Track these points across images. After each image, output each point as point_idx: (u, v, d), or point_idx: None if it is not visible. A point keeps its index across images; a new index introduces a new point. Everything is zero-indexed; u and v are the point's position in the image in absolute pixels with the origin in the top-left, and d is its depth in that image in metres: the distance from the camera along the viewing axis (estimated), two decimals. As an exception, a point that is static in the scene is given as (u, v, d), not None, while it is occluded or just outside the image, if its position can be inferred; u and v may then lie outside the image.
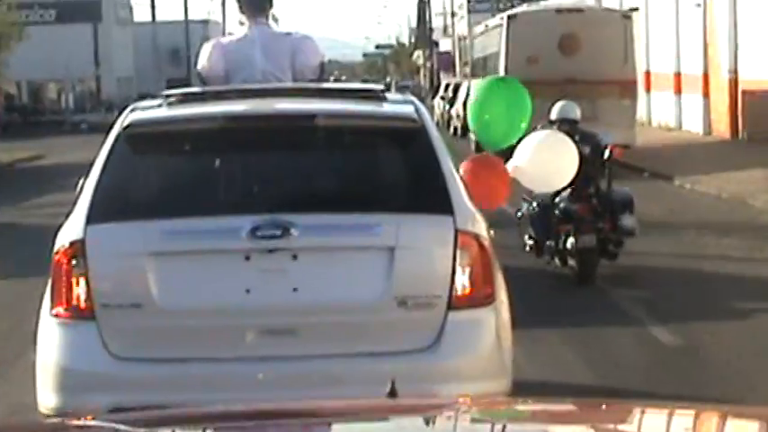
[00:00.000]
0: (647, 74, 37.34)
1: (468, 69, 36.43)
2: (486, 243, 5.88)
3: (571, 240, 12.04)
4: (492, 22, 30.40)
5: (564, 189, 11.84)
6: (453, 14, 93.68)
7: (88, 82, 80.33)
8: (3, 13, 44.76)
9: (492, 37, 29.55)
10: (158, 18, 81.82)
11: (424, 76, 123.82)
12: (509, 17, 27.39)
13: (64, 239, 5.88)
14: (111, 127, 6.29)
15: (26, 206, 24.74)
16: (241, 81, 7.48)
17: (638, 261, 13.51)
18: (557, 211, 12.00)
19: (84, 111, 76.08)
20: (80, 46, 78.18)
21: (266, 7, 7.83)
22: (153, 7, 78.41)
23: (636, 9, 29.43)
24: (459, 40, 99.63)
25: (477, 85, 10.66)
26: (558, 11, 27.71)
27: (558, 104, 13.57)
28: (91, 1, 78.99)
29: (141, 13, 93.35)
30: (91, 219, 5.85)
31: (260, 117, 6.30)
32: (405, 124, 6.17)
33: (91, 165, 6.10)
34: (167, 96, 6.61)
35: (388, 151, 6.25)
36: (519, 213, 13.09)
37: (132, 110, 6.44)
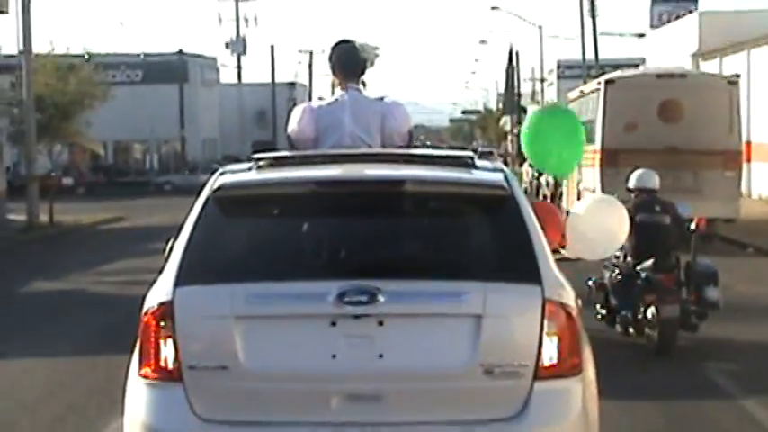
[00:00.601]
0: (748, 144, 35.78)
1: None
2: (574, 313, 5.86)
3: (652, 310, 11.93)
4: (588, 87, 28.97)
5: (645, 259, 12.02)
6: (543, 80, 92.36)
7: (173, 143, 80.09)
8: (88, 73, 44.09)
9: (588, 103, 28.19)
10: (244, 80, 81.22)
11: (511, 142, 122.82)
12: (607, 81, 26.00)
13: (153, 301, 5.92)
14: (200, 189, 6.36)
15: (99, 272, 23.82)
16: (330, 145, 7.52)
17: (718, 334, 13.14)
18: (639, 281, 11.91)
19: (169, 172, 75.87)
20: (166, 107, 78.09)
21: (358, 73, 7.84)
22: (239, 69, 78.08)
23: (739, 76, 27.82)
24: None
25: (530, 113, 10.23)
26: (659, 75, 26.24)
27: (637, 173, 13.52)
28: (178, 62, 78.84)
29: (227, 75, 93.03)
30: (180, 281, 5.87)
31: (349, 182, 6.26)
32: (494, 192, 6.14)
33: (180, 227, 6.10)
34: (257, 160, 6.64)
35: (476, 218, 6.18)
36: (590, 281, 12.97)
37: (222, 173, 6.49)
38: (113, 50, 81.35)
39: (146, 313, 5.91)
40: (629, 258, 12.65)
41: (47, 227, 38.93)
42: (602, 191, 25.48)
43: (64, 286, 21.54)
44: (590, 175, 26.66)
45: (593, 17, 62.09)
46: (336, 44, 7.98)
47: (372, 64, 7.93)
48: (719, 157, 25.03)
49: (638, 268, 12.20)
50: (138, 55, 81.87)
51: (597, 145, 25.83)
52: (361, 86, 7.84)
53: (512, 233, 5.95)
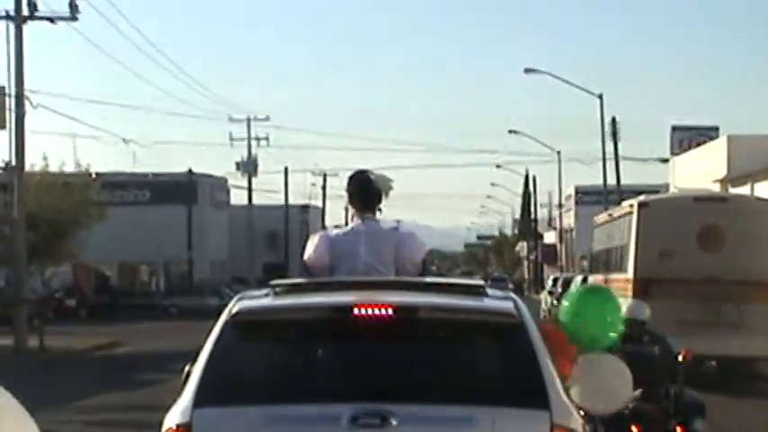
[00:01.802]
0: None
1: (585, 264, 32.60)
2: None
3: None
4: (618, 210, 26.72)
5: (634, 389, 11.58)
6: (561, 206, 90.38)
7: (180, 264, 77.86)
8: (84, 190, 41.91)
9: (618, 227, 25.95)
10: (255, 200, 79.41)
11: (528, 268, 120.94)
12: (640, 204, 23.75)
13: (171, 422, 6.03)
14: (218, 314, 6.56)
15: (73, 408, 21.32)
16: (345, 273, 7.72)
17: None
18: (626, 411, 11.71)
19: (175, 294, 73.54)
20: (174, 227, 76.22)
21: (375, 203, 8.09)
22: (250, 190, 76.26)
23: (782, 200, 25.46)
24: (565, 232, 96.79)
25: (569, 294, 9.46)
26: (698, 198, 23.98)
27: (628, 302, 13.98)
28: (187, 182, 77.05)
29: (238, 196, 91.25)
30: (197, 402, 5.99)
31: (363, 309, 6.27)
32: (504, 319, 6.35)
33: (197, 352, 6.24)
34: (274, 286, 6.85)
35: (486, 344, 6.33)
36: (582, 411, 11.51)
37: (240, 298, 6.72)
38: (120, 169, 79.73)
39: None
40: None
41: (36, 353, 36.67)
42: (635, 325, 23.12)
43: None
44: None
45: (615, 141, 60.30)
46: (353, 175, 8.26)
47: (387, 195, 8.19)
48: (765, 289, 22.66)
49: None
50: (147, 174, 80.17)
51: (629, 273, 23.52)
52: (377, 213, 8.10)
53: (521, 359, 6.11)
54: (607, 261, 27.13)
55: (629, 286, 23.34)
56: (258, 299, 6.78)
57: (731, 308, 22.63)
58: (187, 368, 6.52)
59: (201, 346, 6.28)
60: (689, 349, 12.62)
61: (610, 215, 27.68)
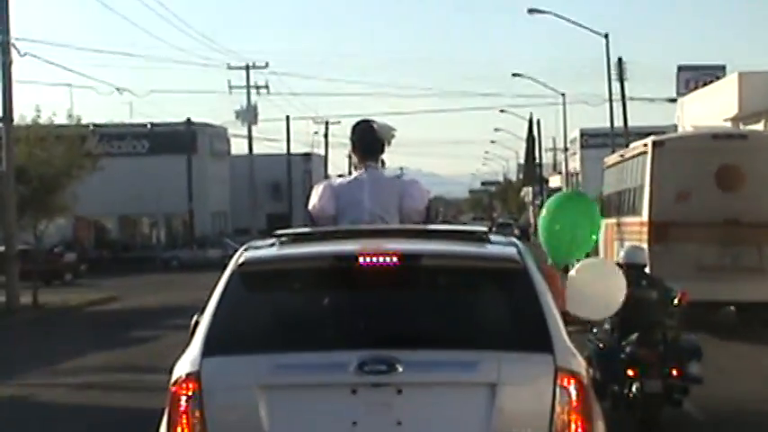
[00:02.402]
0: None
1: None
2: (586, 381, 6.05)
3: (636, 385, 12.14)
4: (631, 150, 25.32)
5: (631, 333, 12.26)
6: (566, 149, 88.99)
7: (181, 216, 76.60)
8: (73, 143, 40.50)
9: (631, 169, 24.61)
10: (256, 150, 77.96)
11: (533, 212, 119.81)
12: (655, 143, 22.38)
13: (181, 371, 6.06)
14: (221, 267, 6.77)
15: (57, 370, 20.11)
16: (349, 222, 7.84)
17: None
18: (623, 355, 12.08)
19: (176, 247, 72.40)
20: (173, 179, 74.80)
21: (378, 152, 8.19)
22: (250, 139, 74.68)
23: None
24: (571, 176, 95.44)
25: (549, 202, 9.78)
26: (716, 136, 22.58)
27: (626, 247, 14.07)
28: (185, 132, 75.58)
29: (239, 145, 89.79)
30: (206, 352, 6.06)
31: (367, 256, 6.30)
32: (507, 265, 6.41)
33: (206, 302, 6.27)
34: (279, 236, 6.90)
35: (490, 290, 6.38)
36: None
37: (246, 248, 6.78)
38: (117, 120, 78.39)
39: (174, 383, 6.04)
40: (615, 333, 12.66)
41: (29, 309, 35.55)
42: (651, 269, 21.84)
43: (3, 391, 17.87)
44: (635, 251, 22.96)
45: (622, 82, 58.84)
46: (356, 125, 8.32)
47: (389, 144, 8.26)
48: (789, 231, 21.41)
49: (623, 343, 12.34)
50: (144, 125, 78.70)
51: (644, 216, 22.24)
52: (379, 165, 8.16)
53: (524, 304, 6.18)
54: (619, 204, 25.82)
55: (645, 230, 22.09)
56: (264, 249, 6.83)
57: (752, 251, 21.40)
58: (195, 318, 6.67)
59: (206, 299, 6.34)
60: (685, 292, 12.84)
61: (621, 156, 26.32)
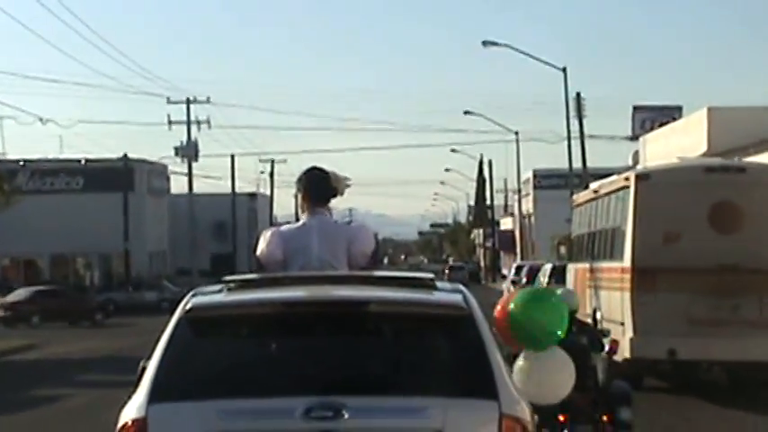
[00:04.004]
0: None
1: (562, 250, 28.14)
2: (530, 427, 6.15)
3: (566, 430, 11.96)
4: (606, 185, 22.28)
5: None
6: (519, 189, 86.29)
7: (117, 256, 72.89)
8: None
9: (607, 206, 21.57)
10: (196, 188, 74.57)
11: (483, 255, 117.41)
12: (639, 177, 19.30)
13: (127, 417, 6.12)
14: (172, 310, 6.66)
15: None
16: (298, 268, 7.85)
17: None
18: None
19: (111, 289, 68.63)
20: (109, 217, 71.20)
21: (328, 200, 8.21)
22: (190, 177, 71.23)
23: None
24: (524, 217, 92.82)
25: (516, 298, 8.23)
26: (709, 169, 19.50)
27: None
28: (122, 168, 72.04)
29: (179, 183, 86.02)
30: (153, 398, 6.08)
31: (315, 303, 6.53)
32: (453, 312, 6.47)
33: (154, 346, 6.25)
34: (227, 282, 6.91)
35: (436, 337, 6.41)
36: None
37: (194, 294, 6.77)
38: (51, 155, 74.70)
39: (120, 429, 6.10)
40: None
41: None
42: (634, 323, 18.83)
43: None
44: (615, 302, 19.84)
45: (580, 118, 56.08)
46: (308, 170, 8.34)
47: (342, 194, 8.35)
48: (794, 279, 18.41)
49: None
50: (79, 161, 75.18)
51: (625, 261, 19.18)
52: (326, 211, 8.19)
53: (470, 351, 6.25)
54: (593, 247, 22.74)
55: (626, 277, 19.02)
56: (211, 294, 6.80)
57: (752, 302, 18.41)
58: (142, 363, 6.52)
59: (152, 344, 6.34)
60: (616, 341, 13.03)
61: (595, 191, 23.22)
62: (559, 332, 8.27)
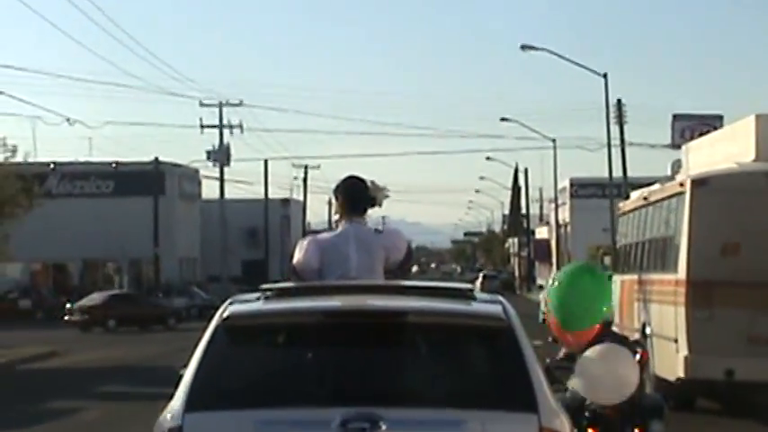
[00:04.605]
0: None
1: (607, 260, 26.79)
2: None
3: None
4: (658, 191, 20.92)
5: None
6: (556, 198, 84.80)
7: (147, 262, 71.92)
8: (5, 178, 35.69)
9: (659, 214, 20.20)
10: (230, 194, 73.57)
11: (518, 264, 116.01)
12: (695, 182, 17.94)
13: (162, 426, 6.10)
14: (209, 318, 6.64)
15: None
16: (336, 277, 7.84)
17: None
18: (587, 413, 10.59)
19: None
20: (139, 222, 70.23)
21: (366, 210, 8.22)
22: (222, 182, 70.23)
23: None
24: (560, 227, 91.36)
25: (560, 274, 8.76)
26: (775, 173, 18.18)
27: None
28: (153, 172, 71.05)
29: (210, 187, 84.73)
30: (189, 407, 6.05)
31: (353, 313, 6.46)
32: (492, 323, 6.42)
33: (191, 354, 6.23)
34: (264, 290, 6.88)
35: (475, 348, 6.38)
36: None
37: (231, 302, 6.76)
38: (82, 157, 73.79)
39: None
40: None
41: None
42: (689, 340, 17.48)
43: None
44: (667, 317, 18.46)
45: (621, 125, 54.74)
46: (347, 178, 8.33)
47: (380, 205, 8.39)
48: None
49: (587, 402, 11.19)
50: (110, 164, 74.29)
51: (680, 273, 17.79)
52: (363, 220, 8.21)
53: (509, 363, 6.18)
54: (642, 258, 21.36)
55: (680, 290, 17.63)
56: (249, 303, 6.78)
57: None
58: (180, 371, 6.38)
59: (190, 352, 6.27)
60: (645, 353, 11.75)
61: (645, 198, 21.84)
62: (604, 306, 8.38)
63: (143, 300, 57.89)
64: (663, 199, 20.03)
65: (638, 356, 12.65)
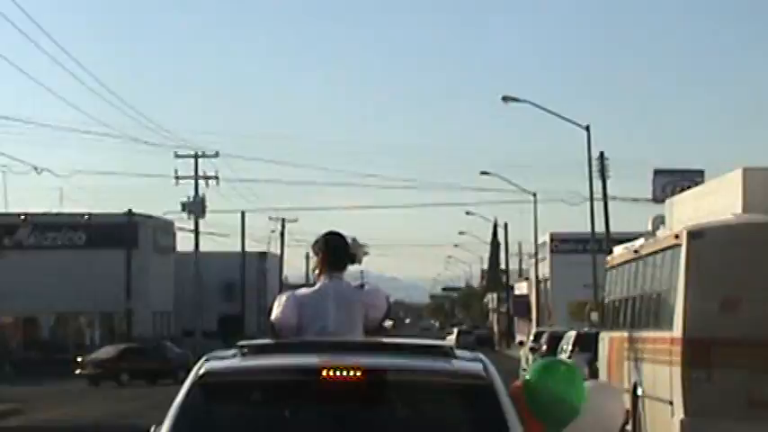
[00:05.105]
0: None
1: (594, 316, 25.68)
2: None
3: None
4: (648, 244, 19.81)
5: None
6: (536, 253, 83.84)
7: (119, 315, 70.45)
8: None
9: (651, 268, 19.09)
10: (206, 247, 72.22)
11: (497, 321, 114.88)
12: (691, 234, 16.82)
13: None
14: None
15: None
16: (314, 333, 7.76)
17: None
18: None
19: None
20: (112, 275, 68.88)
21: (346, 266, 8.17)
22: (197, 234, 68.92)
23: None
24: (540, 282, 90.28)
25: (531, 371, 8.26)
26: (776, 224, 17.09)
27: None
28: (126, 224, 69.76)
29: (184, 239, 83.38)
30: None
31: (332, 370, 6.20)
32: (473, 381, 6.37)
33: (165, 411, 6.03)
34: (241, 347, 6.68)
35: (456, 407, 6.30)
36: None
37: (207, 359, 6.59)
38: (54, 209, 72.51)
39: None
40: None
41: None
42: (685, 403, 16.32)
43: None
44: (661, 377, 17.30)
45: (604, 178, 53.77)
46: (327, 234, 8.26)
47: (360, 262, 8.33)
48: None
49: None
50: (82, 215, 72.98)
51: (675, 331, 16.67)
52: (342, 275, 8.13)
53: (490, 422, 6.09)
54: (633, 314, 20.22)
55: (676, 349, 16.49)
56: (225, 359, 6.62)
57: None
58: (152, 430, 6.34)
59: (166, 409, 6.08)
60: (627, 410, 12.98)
61: (636, 251, 20.74)
62: (577, 401, 7.98)
63: (151, 353, 56.38)
64: (656, 252, 18.92)
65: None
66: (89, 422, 30.73)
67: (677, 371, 16.44)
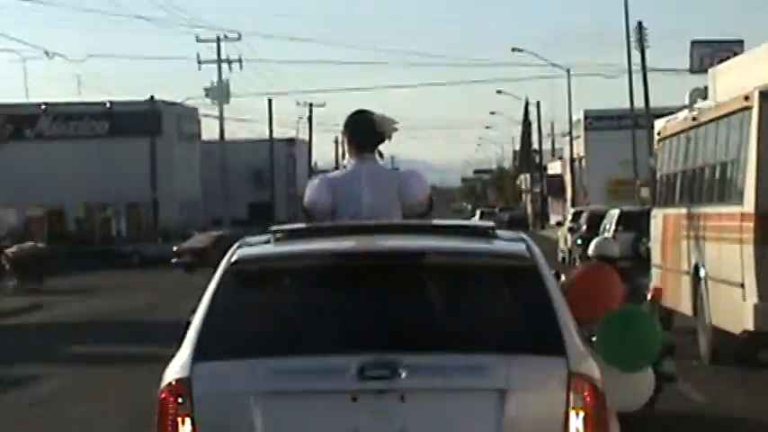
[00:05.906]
0: None
1: (645, 192, 23.85)
2: (600, 386, 5.74)
3: None
4: (710, 110, 17.85)
5: None
6: (570, 131, 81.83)
7: (144, 206, 69.05)
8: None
9: (713, 136, 17.15)
10: (228, 131, 70.50)
11: (532, 201, 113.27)
12: (764, 95, 14.95)
13: (170, 377, 5.83)
14: (216, 264, 6.25)
15: None
16: (348, 216, 7.55)
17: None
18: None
19: (138, 240, 64.83)
20: (136, 164, 67.27)
21: (376, 145, 7.83)
22: (222, 121, 67.18)
23: None
24: (574, 161, 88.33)
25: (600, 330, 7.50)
26: None
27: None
28: (149, 112, 67.97)
29: (209, 126, 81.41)
30: (197, 356, 5.79)
31: (369, 254, 6.18)
32: (516, 262, 6.14)
33: (199, 299, 5.94)
34: (275, 232, 6.61)
35: (498, 289, 6.06)
36: None
37: (240, 246, 6.46)
38: (74, 99, 70.71)
39: (162, 390, 5.82)
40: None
41: None
42: (759, 286, 14.56)
43: None
44: (729, 258, 15.47)
45: (642, 49, 51.62)
46: (353, 114, 8.01)
47: (390, 138, 8.01)
48: None
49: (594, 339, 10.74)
50: (103, 103, 71.12)
51: (746, 206, 14.86)
52: (376, 156, 7.84)
53: (535, 304, 5.92)
54: (692, 188, 18.32)
55: (748, 225, 14.69)
56: (258, 246, 6.52)
57: None
58: (188, 318, 6.11)
59: (197, 302, 5.97)
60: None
61: (693, 118, 18.75)
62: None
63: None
64: (720, 117, 16.95)
65: (650, 295, 12.56)
66: (109, 318, 29.40)
67: (749, 250, 14.63)
